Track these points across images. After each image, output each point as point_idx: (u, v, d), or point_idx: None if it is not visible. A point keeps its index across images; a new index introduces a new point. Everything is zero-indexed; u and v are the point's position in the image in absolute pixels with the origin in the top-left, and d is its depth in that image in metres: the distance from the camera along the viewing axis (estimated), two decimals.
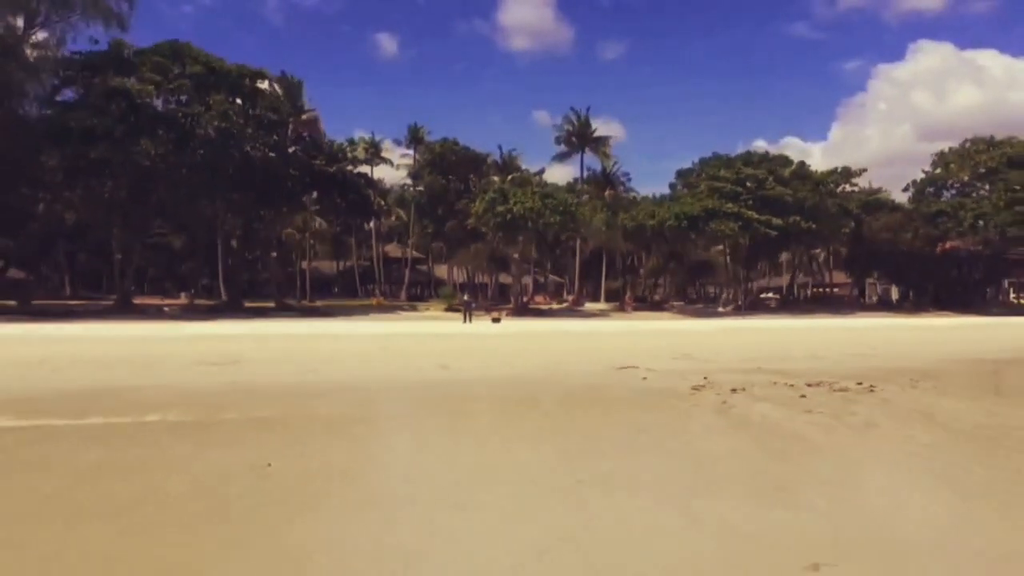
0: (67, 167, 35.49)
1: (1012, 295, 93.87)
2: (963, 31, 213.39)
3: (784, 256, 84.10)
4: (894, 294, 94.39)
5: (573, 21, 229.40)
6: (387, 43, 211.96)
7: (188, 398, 12.05)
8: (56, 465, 7.51)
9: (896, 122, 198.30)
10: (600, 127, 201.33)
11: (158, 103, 36.92)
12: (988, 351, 24.81)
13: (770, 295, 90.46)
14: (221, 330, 29.97)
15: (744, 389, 13.58)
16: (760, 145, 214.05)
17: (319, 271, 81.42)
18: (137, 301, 46.50)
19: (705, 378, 15.11)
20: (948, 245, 78.21)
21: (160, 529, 5.39)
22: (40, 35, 36.13)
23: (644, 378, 15.28)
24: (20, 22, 35.39)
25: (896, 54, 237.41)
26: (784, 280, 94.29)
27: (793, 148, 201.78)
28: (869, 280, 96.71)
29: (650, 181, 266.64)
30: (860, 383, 14.52)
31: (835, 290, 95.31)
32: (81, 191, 37.04)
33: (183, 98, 37.27)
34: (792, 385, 14.16)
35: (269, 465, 7.29)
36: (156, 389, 13.13)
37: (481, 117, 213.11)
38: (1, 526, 5.47)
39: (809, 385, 14.23)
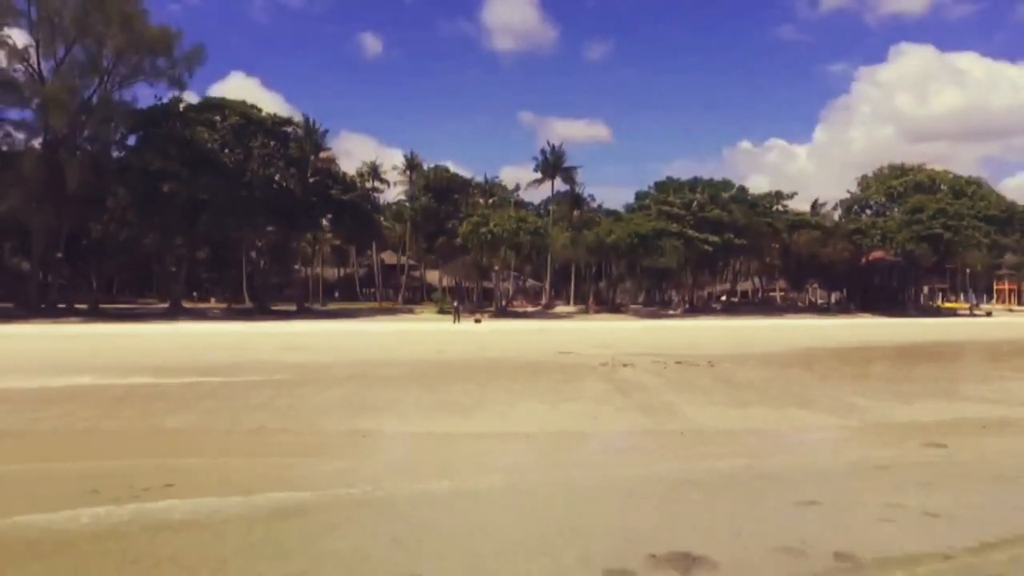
0: (139, 200, 41.52)
1: (940, 299, 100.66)
2: (944, 34, 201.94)
3: (737, 265, 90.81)
4: (833, 299, 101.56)
5: (558, 21, 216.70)
6: (372, 43, 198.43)
7: (289, 368, 18.45)
8: (249, 395, 13.85)
9: (880, 124, 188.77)
10: (584, 128, 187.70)
11: (209, 148, 42.82)
12: (830, 343, 31.60)
13: (725, 299, 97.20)
14: (270, 328, 36.14)
15: (632, 365, 20.12)
16: (745, 147, 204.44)
17: (322, 276, 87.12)
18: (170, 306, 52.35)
19: (612, 358, 21.65)
20: (871, 256, 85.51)
21: (313, 416, 11.76)
22: (113, 90, 42.11)
23: (573, 359, 21.89)
24: (95, 81, 41.39)
25: (879, 56, 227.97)
26: (741, 285, 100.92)
27: (778, 150, 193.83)
28: (812, 286, 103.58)
29: (635, 181, 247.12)
30: (710, 362, 21.15)
31: (783, 294, 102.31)
32: (146, 218, 43.01)
33: (228, 143, 43.30)
34: (664, 363, 20.67)
35: (347, 398, 13.77)
36: (264, 363, 19.50)
37: (466, 117, 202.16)
38: (239, 411, 11.84)
39: (677, 363, 20.79)
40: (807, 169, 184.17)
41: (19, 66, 39.63)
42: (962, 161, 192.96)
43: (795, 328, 45.77)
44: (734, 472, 7.73)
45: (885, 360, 24.05)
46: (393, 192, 78.92)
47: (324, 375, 17.28)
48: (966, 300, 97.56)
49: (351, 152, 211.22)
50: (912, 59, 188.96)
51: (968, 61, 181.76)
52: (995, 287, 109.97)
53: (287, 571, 4.84)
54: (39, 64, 40.33)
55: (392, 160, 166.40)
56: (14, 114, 41.86)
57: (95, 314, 43.97)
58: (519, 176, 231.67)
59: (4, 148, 40.64)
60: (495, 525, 5.94)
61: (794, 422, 11.02)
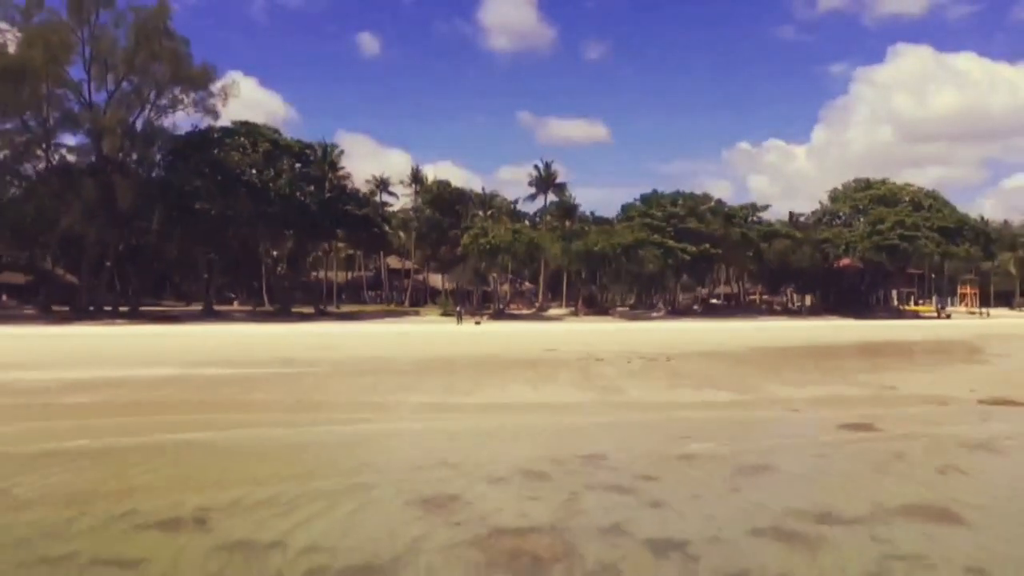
0: (175, 215, 45.30)
1: (911, 302, 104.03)
2: (942, 35, 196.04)
3: (718, 270, 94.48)
4: (808, 301, 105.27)
5: (555, 21, 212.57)
6: (370, 43, 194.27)
7: (325, 362, 22.13)
8: (303, 381, 17.59)
9: (878, 124, 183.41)
10: (583, 128, 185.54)
11: (240, 170, 46.69)
12: (780, 342, 35.26)
13: (714, 301, 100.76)
14: (297, 329, 39.89)
15: (603, 360, 23.84)
16: (744, 147, 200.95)
17: (327, 280, 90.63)
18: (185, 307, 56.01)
19: (588, 354, 25.40)
20: (842, 263, 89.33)
21: (355, 394, 15.49)
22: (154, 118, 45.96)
23: (555, 355, 25.62)
24: (138, 110, 45.17)
25: (877, 57, 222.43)
26: (723, 289, 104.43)
27: (777, 150, 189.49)
28: (788, 290, 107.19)
29: (634, 181, 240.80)
30: (668, 358, 24.88)
31: (762, 298, 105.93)
32: (181, 231, 46.81)
33: (257, 165, 47.12)
34: (630, 358, 24.39)
35: (376, 383, 17.52)
36: (304, 359, 23.19)
37: (464, 117, 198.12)
38: (300, 390, 15.56)
39: (640, 358, 24.52)
40: (806, 169, 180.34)
41: (72, 96, 43.47)
42: (961, 162, 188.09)
43: (759, 329, 49.49)
44: (643, 422, 11.52)
45: (816, 356, 27.76)
46: (399, 198, 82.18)
47: (355, 367, 21.00)
48: (936, 303, 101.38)
49: (348, 152, 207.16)
50: (910, 60, 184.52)
51: (966, 62, 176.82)
52: (959, 291, 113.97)
53: (357, 459, 8.60)
54: (90, 95, 44.19)
55: (390, 159, 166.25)
56: (68, 139, 45.99)
57: (136, 316, 47.61)
58: (517, 175, 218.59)
59: (59, 169, 44.38)
60: (488, 444, 9.69)
61: (705, 398, 14.76)
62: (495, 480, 7.58)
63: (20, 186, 45.71)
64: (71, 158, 45.38)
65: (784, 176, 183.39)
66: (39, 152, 43.80)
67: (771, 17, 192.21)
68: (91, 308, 46.51)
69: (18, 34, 40.51)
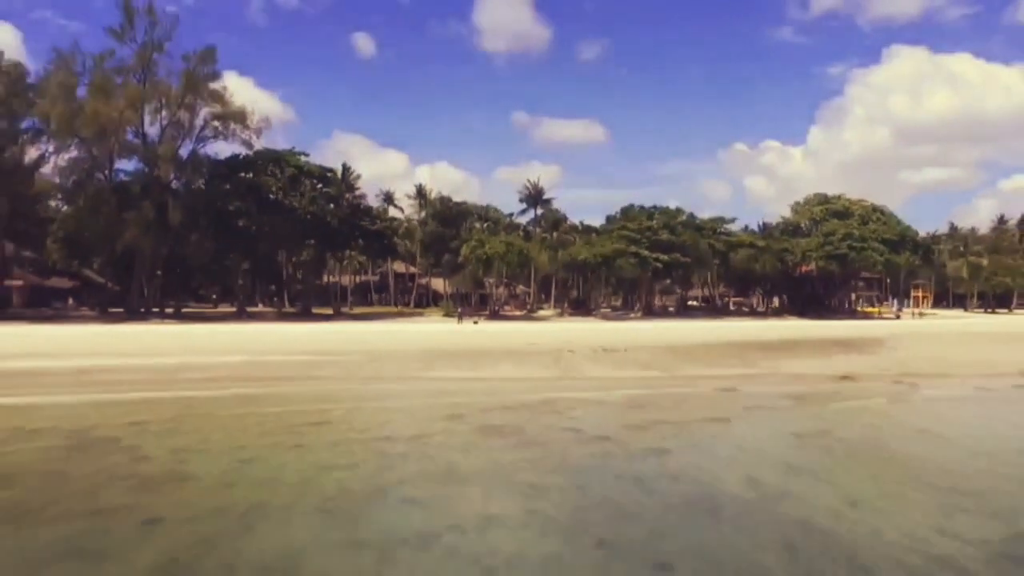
0: (213, 230, 50.27)
1: (872, 304, 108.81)
2: (938, 36, 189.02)
3: (693, 276, 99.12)
4: (776, 304, 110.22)
5: (551, 21, 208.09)
6: (366, 43, 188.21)
7: (360, 352, 26.94)
8: (348, 365, 22.45)
9: (874, 126, 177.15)
10: (579, 128, 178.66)
11: (273, 192, 51.58)
12: (724, 339, 40.20)
13: (692, 304, 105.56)
14: (325, 328, 44.59)
15: (574, 351, 28.76)
16: (741, 148, 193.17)
17: (340, 284, 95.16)
18: (204, 308, 60.75)
19: (563, 347, 30.30)
20: (804, 269, 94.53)
21: (392, 371, 20.42)
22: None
23: (537, 347, 30.55)
24: (182, 139, 50.20)
25: (874, 59, 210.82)
26: (700, 292, 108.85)
27: (774, 151, 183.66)
28: (758, 293, 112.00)
29: (630, 182, 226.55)
30: (625, 349, 29.83)
31: (736, 300, 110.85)
32: (217, 244, 51.69)
33: (285, 188, 52.02)
34: (595, 350, 29.29)
35: (400, 365, 22.45)
36: (341, 350, 28.00)
37: (460, 118, 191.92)
38: (347, 369, 20.46)
39: (604, 350, 29.43)
40: (802, 171, 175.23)
41: (131, 129, 48.27)
42: (957, 163, 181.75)
43: (717, 328, 54.44)
44: (585, 386, 16.47)
45: (745, 349, 32.67)
46: (404, 211, 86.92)
47: (381, 355, 25.88)
48: (895, 305, 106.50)
49: (346, 152, 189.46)
50: (906, 61, 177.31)
51: (962, 63, 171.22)
52: (912, 294, 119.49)
53: (399, 399, 13.55)
54: (144, 127, 49.03)
55: (387, 159, 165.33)
56: (124, 164, 51.20)
57: (180, 317, 52.30)
58: (514, 176, 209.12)
59: (117, 190, 49.14)
60: (481, 396, 14.61)
61: (637, 375, 19.71)
62: (486, 410, 12.52)
63: (78, 204, 50.41)
64: (127, 180, 50.27)
65: (781, 177, 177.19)
66: (101, 176, 48.63)
67: (767, 18, 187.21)
68: (142, 310, 51.22)
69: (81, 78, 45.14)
